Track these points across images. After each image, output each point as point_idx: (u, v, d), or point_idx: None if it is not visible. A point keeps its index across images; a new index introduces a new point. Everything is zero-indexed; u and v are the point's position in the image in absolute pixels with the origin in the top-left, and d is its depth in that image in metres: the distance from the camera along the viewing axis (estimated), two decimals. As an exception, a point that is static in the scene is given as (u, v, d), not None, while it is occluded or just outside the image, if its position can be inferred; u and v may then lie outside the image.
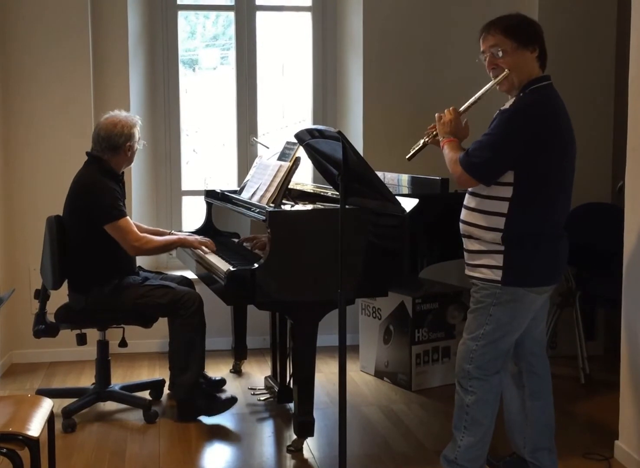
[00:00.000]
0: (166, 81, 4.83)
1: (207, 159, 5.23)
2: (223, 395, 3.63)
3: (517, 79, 2.62)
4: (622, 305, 3.11)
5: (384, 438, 3.38)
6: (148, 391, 3.82)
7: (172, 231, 3.92)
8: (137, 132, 3.60)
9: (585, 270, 4.19)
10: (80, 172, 3.57)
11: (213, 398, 3.56)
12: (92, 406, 3.63)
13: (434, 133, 2.77)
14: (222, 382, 4.04)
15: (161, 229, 3.98)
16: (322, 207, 3.39)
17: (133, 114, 3.70)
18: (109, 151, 3.53)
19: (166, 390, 3.86)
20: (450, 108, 2.74)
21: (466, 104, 2.71)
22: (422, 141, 2.79)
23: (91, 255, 3.49)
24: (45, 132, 4.38)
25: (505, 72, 2.60)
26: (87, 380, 4.05)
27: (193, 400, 3.51)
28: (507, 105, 2.66)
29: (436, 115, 2.77)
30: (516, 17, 2.66)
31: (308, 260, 3.02)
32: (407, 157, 2.80)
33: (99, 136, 3.54)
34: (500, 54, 2.60)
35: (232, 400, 3.56)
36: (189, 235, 3.83)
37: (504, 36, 2.60)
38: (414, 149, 2.79)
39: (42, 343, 3.83)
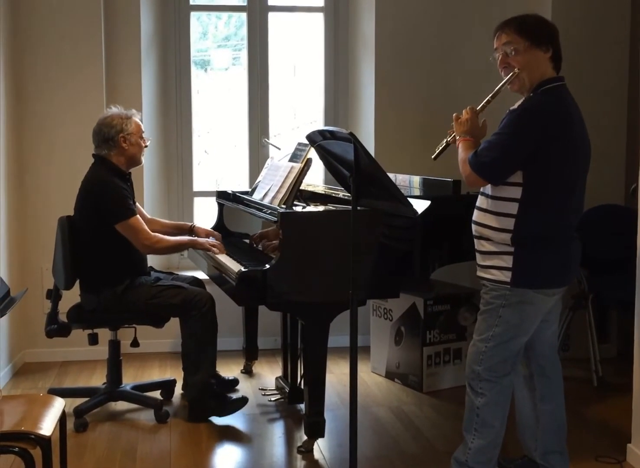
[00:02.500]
0: (178, 82, 4.84)
1: (218, 160, 5.24)
2: (234, 396, 3.62)
3: (528, 78, 2.61)
4: (636, 307, 3.09)
5: (395, 439, 3.38)
6: (159, 391, 3.83)
7: (194, 224, 3.91)
8: (132, 125, 3.54)
9: (598, 273, 4.17)
10: (89, 173, 3.58)
11: (224, 398, 3.56)
12: (103, 406, 3.64)
13: (454, 133, 2.77)
14: (235, 381, 4.04)
15: (181, 223, 3.99)
16: (334, 208, 3.39)
17: (135, 111, 3.66)
18: (104, 145, 3.53)
19: (179, 390, 3.87)
20: (468, 107, 2.73)
21: (481, 104, 2.71)
22: (445, 141, 2.79)
23: (102, 255, 3.50)
24: (57, 133, 4.40)
25: (515, 71, 2.59)
26: (98, 379, 4.06)
27: (204, 400, 3.52)
28: (516, 106, 2.65)
29: (454, 115, 2.76)
30: (532, 17, 2.66)
31: (319, 261, 3.02)
32: (432, 156, 2.81)
33: (93, 132, 3.57)
34: (512, 52, 2.60)
35: (243, 401, 3.56)
36: (208, 232, 3.83)
37: (518, 34, 2.59)
38: (438, 148, 2.80)
39: (54, 342, 3.85)
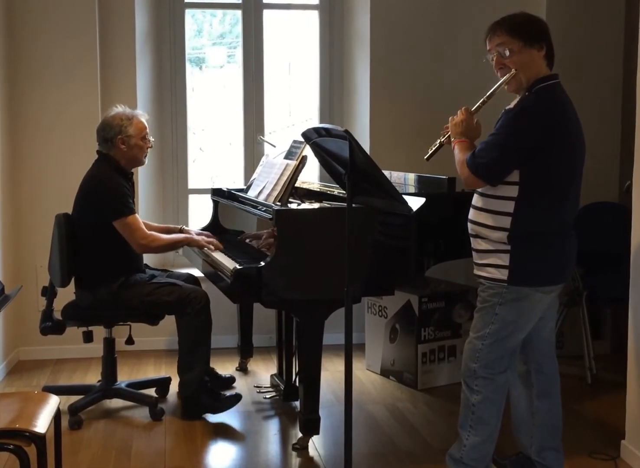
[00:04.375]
0: (173, 79, 4.84)
1: (213, 157, 5.24)
2: (227, 393, 3.62)
3: (525, 78, 2.61)
4: (630, 304, 3.10)
5: (390, 436, 3.39)
6: (154, 388, 3.83)
7: (183, 227, 3.91)
8: (132, 127, 3.52)
9: (592, 270, 4.18)
10: (91, 169, 3.58)
11: (217, 396, 3.55)
12: (98, 403, 3.64)
13: (448, 134, 2.76)
14: (232, 379, 4.04)
15: (171, 226, 3.99)
16: (329, 205, 3.39)
17: (140, 111, 3.67)
18: (104, 144, 3.54)
19: (174, 388, 3.85)
20: (462, 108, 2.73)
21: (477, 104, 2.70)
22: (438, 141, 2.78)
23: (99, 252, 3.50)
24: (52, 131, 4.39)
25: (512, 72, 2.59)
26: (93, 377, 4.06)
27: (198, 397, 3.51)
28: (512, 105, 2.65)
29: (450, 118, 2.76)
30: (521, 16, 2.65)
31: (314, 258, 3.02)
32: (425, 157, 2.80)
33: (96, 129, 3.57)
34: (507, 53, 2.59)
35: (237, 397, 3.56)
36: (197, 232, 3.84)
37: (510, 36, 2.58)
38: (432, 149, 2.79)
39: (49, 340, 3.85)
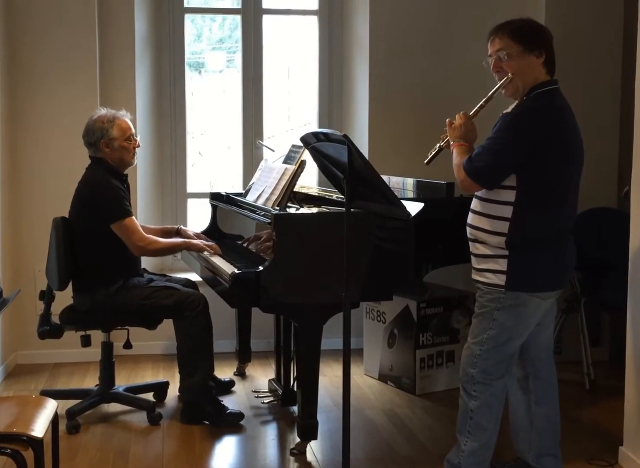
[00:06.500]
0: (172, 84, 4.84)
1: (212, 161, 5.24)
2: (232, 409, 3.56)
3: (522, 83, 2.61)
4: (628, 310, 3.10)
5: (388, 442, 3.38)
6: (152, 393, 3.82)
7: (180, 226, 3.90)
8: (115, 130, 3.48)
9: (591, 276, 4.18)
10: (86, 174, 3.58)
11: (221, 408, 3.51)
12: (96, 407, 3.63)
13: (447, 138, 2.77)
14: (231, 383, 4.04)
15: (168, 226, 3.98)
16: (327, 210, 3.39)
17: (123, 111, 3.60)
18: (90, 148, 3.53)
19: (171, 392, 3.85)
20: (461, 113, 2.74)
21: (475, 109, 2.71)
22: (437, 146, 2.79)
23: (97, 256, 3.49)
24: (51, 135, 4.39)
25: (508, 77, 2.60)
26: (91, 381, 4.05)
27: (201, 403, 3.49)
28: (509, 109, 2.65)
29: (447, 120, 2.77)
30: (525, 22, 2.66)
31: (313, 263, 3.02)
32: (425, 161, 2.80)
33: (82, 134, 3.55)
34: (505, 57, 2.60)
35: (240, 416, 3.52)
36: (195, 233, 3.83)
37: (511, 39, 2.59)
38: (431, 153, 2.79)
39: (47, 344, 3.84)
